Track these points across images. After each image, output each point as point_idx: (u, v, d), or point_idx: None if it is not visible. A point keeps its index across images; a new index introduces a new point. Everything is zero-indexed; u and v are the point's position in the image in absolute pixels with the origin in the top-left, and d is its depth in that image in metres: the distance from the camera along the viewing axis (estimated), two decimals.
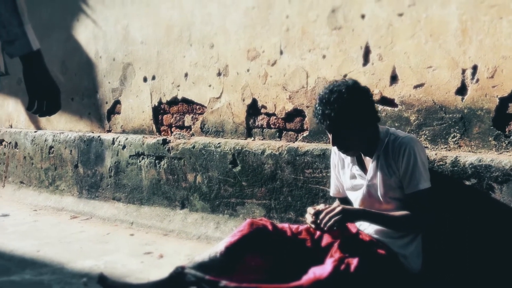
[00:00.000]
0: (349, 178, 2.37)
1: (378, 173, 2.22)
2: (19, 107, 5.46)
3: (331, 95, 2.12)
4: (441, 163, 2.46)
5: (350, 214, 2.15)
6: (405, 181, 2.16)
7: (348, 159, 2.35)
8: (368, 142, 2.23)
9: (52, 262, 2.96)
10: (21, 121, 5.46)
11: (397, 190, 2.20)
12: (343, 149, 2.23)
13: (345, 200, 2.51)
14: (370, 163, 2.26)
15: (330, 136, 2.21)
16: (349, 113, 2.11)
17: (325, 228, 2.09)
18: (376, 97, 2.81)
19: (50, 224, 3.97)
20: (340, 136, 2.17)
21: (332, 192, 2.60)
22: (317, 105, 2.18)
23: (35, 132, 5.04)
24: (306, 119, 3.18)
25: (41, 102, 1.84)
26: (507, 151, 2.42)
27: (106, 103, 4.50)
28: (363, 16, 2.86)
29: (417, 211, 2.14)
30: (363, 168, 2.30)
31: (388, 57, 2.78)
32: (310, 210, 2.19)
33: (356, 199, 2.35)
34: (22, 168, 5.11)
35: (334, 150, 2.45)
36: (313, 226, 2.16)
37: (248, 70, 3.44)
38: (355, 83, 2.19)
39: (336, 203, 2.55)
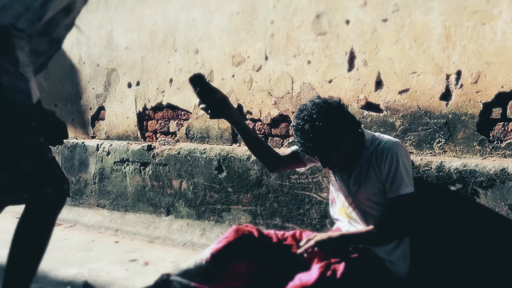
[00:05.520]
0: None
1: (361, 183, 2.21)
2: None
3: (305, 124, 2.06)
4: (426, 168, 2.47)
5: (326, 244, 2.14)
6: (387, 185, 2.15)
7: None
8: (353, 151, 2.19)
9: None
10: None
11: (381, 195, 2.19)
12: (336, 166, 2.20)
13: (292, 157, 2.47)
14: (353, 172, 2.25)
15: (318, 159, 2.21)
16: (328, 137, 2.06)
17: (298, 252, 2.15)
18: (361, 103, 2.83)
19: None
20: (327, 157, 2.14)
21: (290, 149, 2.51)
22: (296, 137, 2.14)
23: None
24: (291, 124, 3.17)
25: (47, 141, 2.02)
26: (491, 156, 2.44)
27: (90, 109, 4.46)
28: (347, 22, 2.87)
29: (396, 217, 2.13)
30: (348, 174, 2.29)
31: (373, 63, 2.79)
32: None
33: (343, 199, 2.34)
34: None
35: None
36: None
37: (233, 76, 3.43)
38: (325, 102, 2.11)
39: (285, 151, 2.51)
